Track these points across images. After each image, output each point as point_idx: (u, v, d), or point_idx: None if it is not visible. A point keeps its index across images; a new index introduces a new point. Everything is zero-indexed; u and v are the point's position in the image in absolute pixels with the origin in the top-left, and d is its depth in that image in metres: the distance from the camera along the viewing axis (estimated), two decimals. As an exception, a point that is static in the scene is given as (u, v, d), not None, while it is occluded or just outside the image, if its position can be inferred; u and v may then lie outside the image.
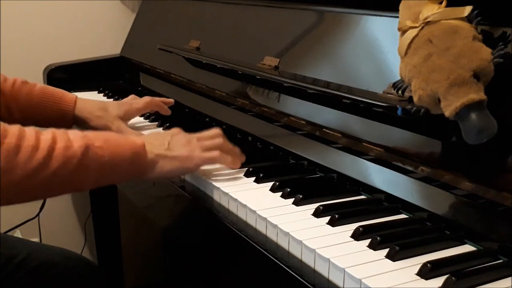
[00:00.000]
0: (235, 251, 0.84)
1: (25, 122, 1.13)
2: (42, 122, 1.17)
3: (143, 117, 1.33)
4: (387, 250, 0.70)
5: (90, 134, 0.85)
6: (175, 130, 0.96)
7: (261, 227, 0.81)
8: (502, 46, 0.72)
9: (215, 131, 0.97)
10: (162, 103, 1.27)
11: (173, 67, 1.48)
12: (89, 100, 1.22)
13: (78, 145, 0.81)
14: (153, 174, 0.89)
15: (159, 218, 1.16)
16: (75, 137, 0.82)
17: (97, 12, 1.91)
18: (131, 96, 1.28)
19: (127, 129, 1.19)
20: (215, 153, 0.93)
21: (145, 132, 1.22)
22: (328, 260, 0.68)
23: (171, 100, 1.29)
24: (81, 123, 1.20)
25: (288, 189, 0.87)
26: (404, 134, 0.85)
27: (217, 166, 0.97)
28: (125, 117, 1.21)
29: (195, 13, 1.54)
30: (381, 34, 0.96)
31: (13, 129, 0.78)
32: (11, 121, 1.13)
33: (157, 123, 1.28)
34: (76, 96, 1.20)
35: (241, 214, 0.85)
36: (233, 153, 0.97)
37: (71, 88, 1.46)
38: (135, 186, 1.18)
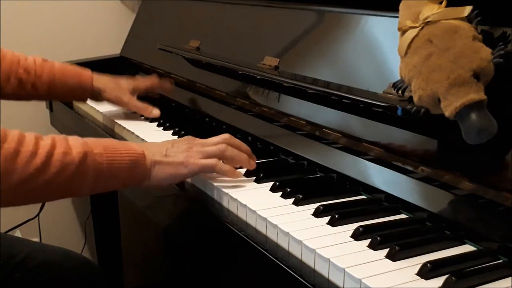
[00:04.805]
0: (235, 251, 0.84)
1: (48, 97, 1.31)
2: (65, 95, 1.31)
3: (142, 117, 1.33)
4: (387, 250, 0.70)
5: (89, 141, 0.86)
6: (181, 138, 0.96)
7: (261, 227, 0.80)
8: (502, 46, 0.72)
9: (222, 136, 0.95)
10: (165, 85, 1.41)
11: (173, 67, 1.48)
12: (103, 74, 1.34)
13: (77, 152, 0.82)
14: (150, 182, 0.89)
15: (159, 218, 1.16)
16: (75, 144, 0.83)
17: (97, 12, 1.91)
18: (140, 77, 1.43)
19: (137, 102, 1.32)
20: (212, 161, 0.91)
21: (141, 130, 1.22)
22: (328, 260, 0.68)
23: (169, 85, 1.42)
24: (97, 95, 1.31)
25: (288, 189, 0.87)
26: (404, 134, 0.84)
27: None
28: (134, 91, 1.34)
29: (195, 13, 1.54)
30: (381, 34, 0.96)
31: (13, 134, 0.79)
32: (36, 96, 1.28)
33: (156, 123, 1.28)
34: (91, 70, 1.33)
35: (241, 214, 0.85)
36: (240, 159, 0.94)
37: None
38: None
